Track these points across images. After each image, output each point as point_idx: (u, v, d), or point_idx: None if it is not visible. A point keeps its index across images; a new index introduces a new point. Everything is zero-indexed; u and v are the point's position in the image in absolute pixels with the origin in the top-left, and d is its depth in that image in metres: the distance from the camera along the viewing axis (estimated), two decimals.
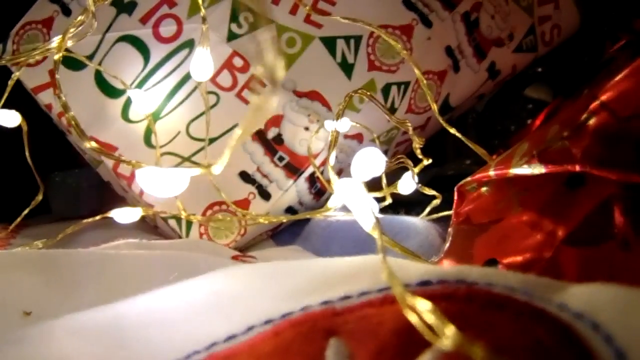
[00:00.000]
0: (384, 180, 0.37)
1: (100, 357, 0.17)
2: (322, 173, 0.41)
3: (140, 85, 0.40)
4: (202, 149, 0.39)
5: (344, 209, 0.39)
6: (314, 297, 0.19)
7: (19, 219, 0.36)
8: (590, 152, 0.20)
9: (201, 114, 0.39)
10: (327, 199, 0.42)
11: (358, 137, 0.43)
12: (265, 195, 0.40)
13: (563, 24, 0.49)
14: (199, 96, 0.39)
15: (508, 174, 0.22)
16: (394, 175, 0.46)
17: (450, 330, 0.14)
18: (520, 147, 0.23)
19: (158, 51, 0.40)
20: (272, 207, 0.41)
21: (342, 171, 0.44)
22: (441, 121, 0.34)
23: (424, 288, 0.18)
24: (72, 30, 0.26)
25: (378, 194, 0.37)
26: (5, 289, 0.24)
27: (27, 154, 0.36)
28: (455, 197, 0.25)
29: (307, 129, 0.40)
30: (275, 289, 0.20)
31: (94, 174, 0.46)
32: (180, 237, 0.39)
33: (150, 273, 0.27)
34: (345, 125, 0.33)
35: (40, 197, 0.36)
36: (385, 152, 0.46)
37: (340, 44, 0.41)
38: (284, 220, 0.41)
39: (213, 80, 0.40)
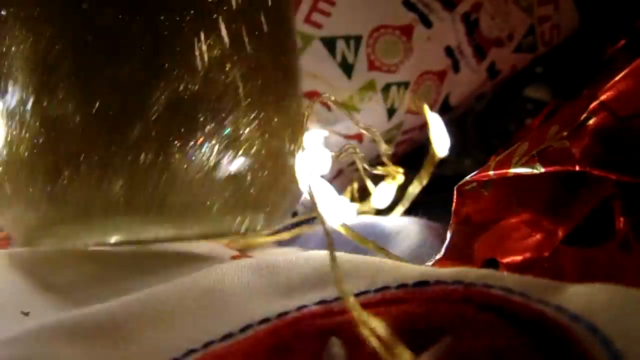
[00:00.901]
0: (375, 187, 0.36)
1: (96, 356, 0.17)
2: None
3: None
4: None
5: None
6: (309, 296, 0.19)
7: None
8: (590, 152, 0.20)
9: None
10: None
11: (358, 137, 0.43)
12: None
13: (563, 24, 0.49)
14: None
15: (508, 173, 0.22)
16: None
17: (401, 351, 0.14)
18: (520, 147, 0.23)
19: None
20: None
21: (342, 172, 0.44)
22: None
23: (421, 289, 0.18)
24: None
25: (355, 205, 0.37)
26: (4, 289, 0.24)
27: None
28: (455, 197, 0.25)
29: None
30: (271, 287, 0.20)
31: None
32: None
33: (146, 270, 0.27)
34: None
35: None
36: None
37: (340, 44, 0.41)
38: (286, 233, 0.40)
39: None
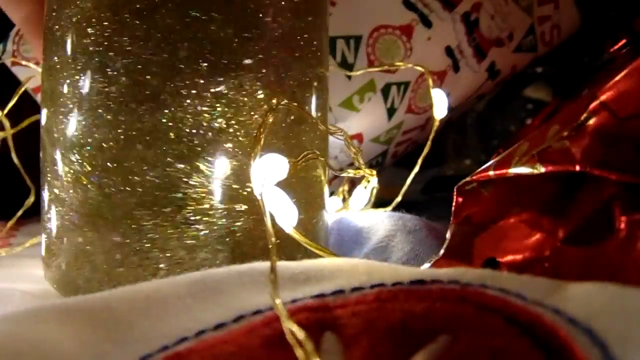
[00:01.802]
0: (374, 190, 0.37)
1: (90, 341, 0.17)
2: None
3: None
4: None
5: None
6: (304, 290, 0.19)
7: (12, 222, 0.36)
8: (590, 152, 0.20)
9: None
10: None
11: (358, 137, 0.43)
12: None
13: (563, 24, 0.49)
14: None
15: (508, 173, 0.22)
16: (392, 177, 0.46)
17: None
18: (520, 147, 0.23)
19: None
20: None
21: (342, 171, 0.44)
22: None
23: (417, 287, 0.18)
24: None
25: (339, 209, 0.38)
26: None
27: (13, 155, 0.36)
28: (455, 197, 0.25)
29: None
30: (264, 279, 0.20)
31: None
32: None
33: None
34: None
35: (32, 199, 0.35)
36: (385, 152, 0.46)
37: (340, 44, 0.41)
38: None
39: None
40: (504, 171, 0.23)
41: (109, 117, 0.25)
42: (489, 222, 0.25)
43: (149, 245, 0.26)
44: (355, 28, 0.41)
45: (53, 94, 0.27)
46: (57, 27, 0.27)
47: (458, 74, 0.45)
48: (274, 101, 0.27)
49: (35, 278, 0.30)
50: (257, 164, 0.23)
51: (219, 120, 0.26)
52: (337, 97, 0.41)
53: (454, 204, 0.25)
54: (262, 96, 0.27)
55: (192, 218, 0.26)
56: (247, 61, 0.26)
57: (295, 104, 0.27)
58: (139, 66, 0.25)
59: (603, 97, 0.21)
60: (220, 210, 0.26)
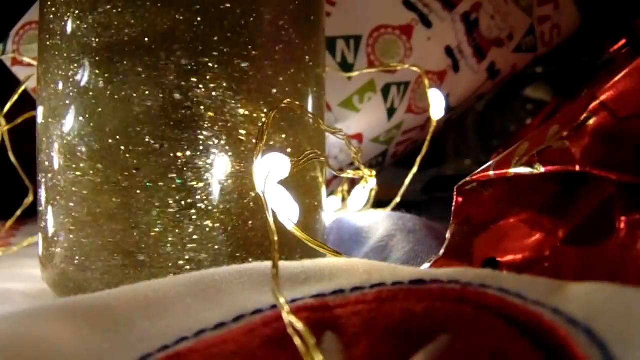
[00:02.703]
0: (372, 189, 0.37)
1: (89, 340, 0.17)
2: None
3: None
4: None
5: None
6: (304, 290, 0.19)
7: (11, 222, 0.36)
8: (590, 152, 0.20)
9: None
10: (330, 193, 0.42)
11: (358, 137, 0.43)
12: None
13: (563, 24, 0.49)
14: None
15: (508, 173, 0.22)
16: (392, 177, 0.46)
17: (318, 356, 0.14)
18: (520, 147, 0.23)
19: None
20: None
21: (341, 171, 0.44)
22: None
23: (417, 286, 0.17)
24: None
25: (338, 209, 0.38)
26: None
27: (10, 154, 0.36)
28: (455, 197, 0.25)
29: None
30: (264, 277, 0.20)
31: None
32: None
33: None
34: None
35: (31, 199, 0.35)
36: (385, 152, 0.46)
37: (340, 44, 0.41)
38: None
39: None
40: (504, 171, 0.23)
41: (106, 115, 0.25)
42: (489, 222, 0.25)
43: (147, 245, 0.26)
44: (355, 28, 0.41)
45: (49, 92, 0.27)
46: (52, 24, 0.27)
47: (458, 74, 0.45)
48: (274, 101, 0.27)
49: (33, 278, 0.30)
50: (259, 162, 0.23)
51: (219, 119, 0.26)
52: (337, 97, 0.41)
53: (454, 204, 0.25)
54: (261, 96, 0.27)
55: (192, 218, 0.26)
56: (246, 61, 0.26)
57: (297, 103, 0.27)
58: (138, 65, 0.25)
59: (603, 97, 0.21)
60: (220, 210, 0.26)
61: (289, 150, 0.27)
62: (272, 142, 0.27)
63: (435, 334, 0.15)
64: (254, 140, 0.26)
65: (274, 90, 0.27)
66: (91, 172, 0.26)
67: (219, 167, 0.26)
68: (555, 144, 0.21)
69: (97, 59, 0.26)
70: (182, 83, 0.25)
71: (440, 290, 0.17)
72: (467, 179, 0.25)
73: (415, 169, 0.37)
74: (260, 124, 0.26)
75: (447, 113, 0.47)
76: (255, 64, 0.26)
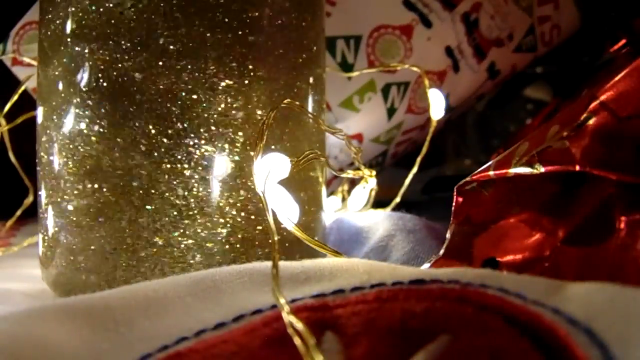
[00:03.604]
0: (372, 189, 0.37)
1: (89, 340, 0.17)
2: None
3: None
4: None
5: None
6: (304, 290, 0.19)
7: (11, 222, 0.36)
8: (589, 152, 0.20)
9: None
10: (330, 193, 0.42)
11: (358, 137, 0.43)
12: None
13: (563, 24, 0.49)
14: None
15: (508, 173, 0.22)
16: (392, 177, 0.46)
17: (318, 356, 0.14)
18: (520, 147, 0.23)
19: None
20: None
21: (342, 171, 0.44)
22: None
23: (417, 286, 0.17)
24: None
25: (338, 209, 0.38)
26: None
27: (10, 154, 0.36)
28: (455, 197, 0.25)
29: None
30: (263, 279, 0.20)
31: None
32: None
33: None
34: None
35: (31, 199, 0.35)
36: (385, 152, 0.46)
37: (340, 44, 0.41)
38: None
39: None
40: (504, 171, 0.23)
41: (106, 115, 0.25)
42: (489, 222, 0.25)
43: (147, 245, 0.26)
44: (355, 28, 0.41)
45: (49, 92, 0.27)
46: (52, 24, 0.27)
47: (458, 74, 0.45)
48: (275, 101, 0.27)
49: (33, 278, 0.30)
50: (259, 162, 0.23)
51: (218, 119, 0.26)
52: (337, 97, 0.41)
53: (454, 204, 0.25)
54: (260, 96, 0.27)
55: (192, 218, 0.26)
56: (245, 61, 0.26)
57: (297, 102, 0.27)
58: (137, 64, 0.25)
59: (603, 97, 0.21)
60: (220, 210, 0.26)
61: (289, 150, 0.27)
62: (272, 142, 0.27)
63: (435, 334, 0.15)
64: (253, 141, 0.26)
65: (274, 91, 0.27)
66: (91, 172, 0.26)
67: (219, 167, 0.26)
68: (555, 144, 0.21)
69: (97, 59, 0.25)
70: (182, 83, 0.25)
71: (440, 290, 0.17)
72: (467, 179, 0.25)
73: (415, 169, 0.37)
74: (260, 124, 0.26)
75: (447, 113, 0.47)
76: (255, 63, 0.26)
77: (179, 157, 0.25)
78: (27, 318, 0.17)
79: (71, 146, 0.26)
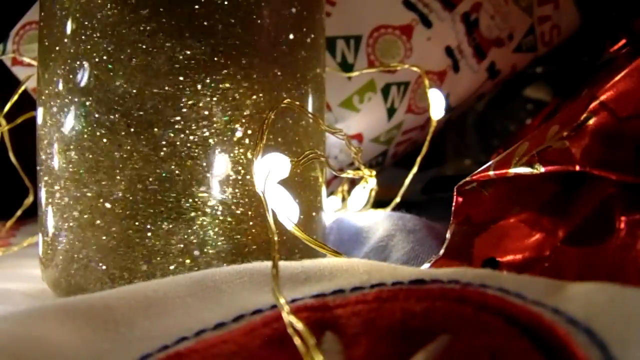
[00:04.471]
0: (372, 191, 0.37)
1: (89, 340, 0.17)
2: None
3: None
4: None
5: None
6: (304, 290, 0.19)
7: (11, 222, 0.36)
8: (589, 152, 0.20)
9: None
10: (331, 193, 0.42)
11: (358, 137, 0.43)
12: None
13: (563, 24, 0.49)
14: None
15: (508, 173, 0.22)
16: (392, 177, 0.46)
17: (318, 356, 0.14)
18: (520, 147, 0.23)
19: None
20: None
21: (342, 171, 0.44)
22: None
23: (417, 286, 0.17)
24: None
25: (338, 209, 0.38)
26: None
27: (10, 154, 0.36)
28: (455, 197, 0.25)
29: None
30: (263, 279, 0.20)
31: None
32: None
33: None
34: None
35: (31, 199, 0.35)
36: (385, 152, 0.46)
37: (340, 44, 0.41)
38: None
39: None
40: (504, 171, 0.23)
41: (105, 115, 0.25)
42: (489, 222, 0.25)
43: (147, 245, 0.26)
44: (355, 28, 0.41)
45: (49, 92, 0.27)
46: (52, 24, 0.27)
47: (458, 74, 0.45)
48: (274, 101, 0.27)
49: (33, 278, 0.30)
50: (259, 162, 0.23)
51: (219, 119, 0.26)
52: (337, 97, 0.41)
53: (454, 204, 0.25)
54: (260, 96, 0.27)
55: (191, 218, 0.26)
56: (244, 61, 0.26)
57: (297, 103, 0.27)
58: (137, 64, 0.25)
59: (603, 97, 0.21)
60: (220, 210, 0.26)
61: (287, 151, 0.27)
62: (272, 142, 0.27)
63: (435, 334, 0.15)
64: (252, 141, 0.26)
65: (274, 90, 0.27)
66: (91, 172, 0.26)
67: (219, 166, 0.26)
68: (555, 144, 0.21)
69: (97, 59, 0.25)
70: (182, 83, 0.25)
71: (440, 290, 0.17)
72: (467, 179, 0.25)
73: (415, 169, 0.37)
74: (260, 124, 0.26)
75: (447, 113, 0.47)
76: (255, 64, 0.26)
77: (179, 156, 0.25)
78: (27, 318, 0.17)
79: (71, 146, 0.26)
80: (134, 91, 0.25)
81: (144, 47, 0.25)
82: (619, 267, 0.22)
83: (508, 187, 0.25)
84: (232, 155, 0.26)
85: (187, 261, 0.26)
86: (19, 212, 0.36)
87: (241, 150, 0.26)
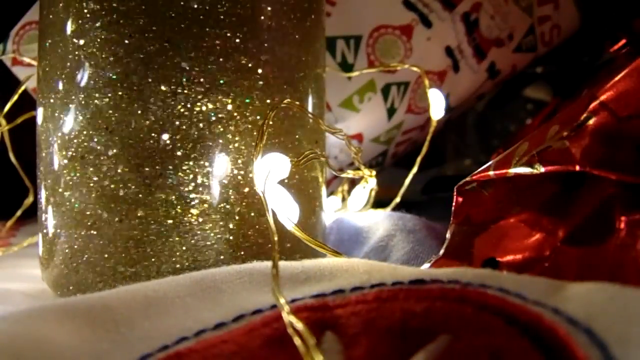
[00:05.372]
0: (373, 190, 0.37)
1: (89, 340, 0.17)
2: None
3: None
4: None
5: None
6: (304, 290, 0.19)
7: (11, 222, 0.36)
8: (589, 152, 0.20)
9: None
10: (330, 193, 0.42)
11: (358, 137, 0.43)
12: None
13: (563, 24, 0.49)
14: None
15: (508, 173, 0.22)
16: (392, 177, 0.46)
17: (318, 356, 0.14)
18: (520, 147, 0.23)
19: None
20: None
21: (342, 171, 0.44)
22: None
23: (417, 286, 0.17)
24: None
25: (338, 209, 0.38)
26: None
27: (10, 154, 0.36)
28: (455, 197, 0.25)
29: None
30: (263, 279, 0.20)
31: None
32: None
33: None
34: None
35: (31, 199, 0.35)
36: (385, 152, 0.46)
37: (340, 44, 0.41)
38: None
39: None
40: (504, 171, 0.23)
41: (105, 116, 0.25)
42: (489, 222, 0.25)
43: (147, 245, 0.26)
44: (355, 28, 0.41)
45: (49, 92, 0.27)
46: (52, 24, 0.27)
47: (458, 74, 0.45)
48: (275, 101, 0.27)
49: (33, 278, 0.30)
50: (259, 162, 0.23)
51: (219, 119, 0.26)
52: (337, 97, 0.41)
53: (454, 204, 0.25)
54: (260, 96, 0.27)
55: (191, 218, 0.26)
56: (245, 61, 0.26)
57: (297, 103, 0.27)
58: (137, 64, 0.25)
59: (603, 97, 0.21)
60: (220, 210, 0.26)
61: (287, 151, 0.27)
62: (271, 142, 0.27)
63: (435, 334, 0.15)
64: (253, 141, 0.26)
65: (274, 90, 0.27)
66: (91, 172, 0.26)
67: (219, 167, 0.26)
68: (555, 144, 0.21)
69: (97, 59, 0.26)
70: (183, 82, 0.25)
71: (440, 290, 0.17)
72: (467, 179, 0.25)
73: (415, 169, 0.37)
74: (260, 124, 0.26)
75: (447, 113, 0.47)
76: (255, 63, 0.26)
77: (180, 156, 0.25)
78: (27, 318, 0.17)
79: (71, 146, 0.26)
80: (135, 89, 0.25)
81: (143, 47, 0.25)
82: (619, 267, 0.22)
83: (508, 187, 0.25)
84: (232, 155, 0.26)
85: (188, 262, 0.26)
86: (19, 212, 0.36)
87: (241, 150, 0.26)
